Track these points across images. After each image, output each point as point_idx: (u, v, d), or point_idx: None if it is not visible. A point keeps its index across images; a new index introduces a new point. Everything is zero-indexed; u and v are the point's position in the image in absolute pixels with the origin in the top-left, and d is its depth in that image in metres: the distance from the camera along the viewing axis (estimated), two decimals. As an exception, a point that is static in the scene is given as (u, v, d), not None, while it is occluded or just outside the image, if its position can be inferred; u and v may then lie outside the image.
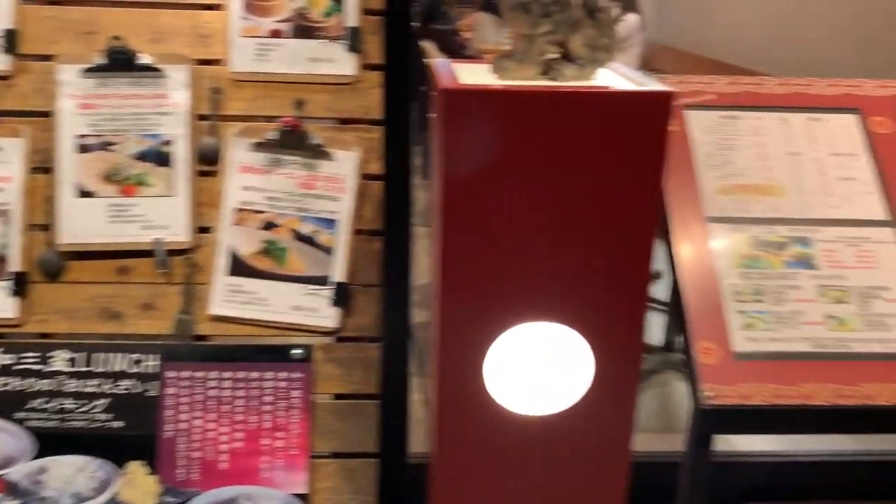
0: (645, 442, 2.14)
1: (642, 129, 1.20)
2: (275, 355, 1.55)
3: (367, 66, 1.58)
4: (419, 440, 1.80)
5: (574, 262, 1.28)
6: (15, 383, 1.51)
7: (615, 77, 1.28)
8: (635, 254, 1.29)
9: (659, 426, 2.51)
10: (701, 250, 1.44)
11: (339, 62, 1.57)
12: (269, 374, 1.54)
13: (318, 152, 1.56)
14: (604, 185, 1.24)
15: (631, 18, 3.31)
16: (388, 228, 1.59)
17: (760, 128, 1.58)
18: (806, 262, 1.44)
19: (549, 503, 1.44)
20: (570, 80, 1.25)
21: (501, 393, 1.36)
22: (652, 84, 1.22)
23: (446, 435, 1.38)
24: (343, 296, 1.56)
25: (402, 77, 1.63)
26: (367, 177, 1.58)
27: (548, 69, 1.26)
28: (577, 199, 1.24)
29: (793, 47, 3.21)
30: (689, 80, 1.63)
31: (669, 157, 1.52)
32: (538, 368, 1.36)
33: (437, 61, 1.38)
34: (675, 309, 1.43)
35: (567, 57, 1.24)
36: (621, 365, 1.34)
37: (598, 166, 1.22)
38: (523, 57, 1.23)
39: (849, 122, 1.60)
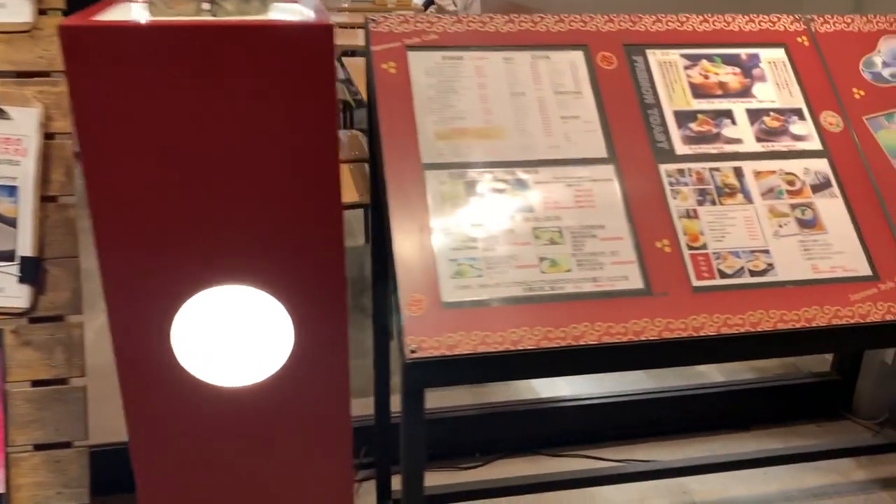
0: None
1: (304, 65, 1.10)
2: (-44, 343, 1.38)
3: (46, 12, 1.40)
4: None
5: (252, 218, 1.18)
6: None
7: (284, 12, 1.17)
8: (320, 205, 1.19)
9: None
10: (414, 199, 1.37)
11: (11, 7, 1.39)
12: (-50, 365, 1.37)
13: (-9, 110, 1.38)
14: (273, 131, 1.13)
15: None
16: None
17: (484, 68, 1.52)
18: (523, 205, 1.40)
19: (266, 475, 1.35)
20: (233, 15, 1.13)
21: (196, 365, 1.24)
22: (316, 17, 1.12)
23: (139, 416, 1.26)
24: (33, 271, 1.39)
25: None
26: (52, 136, 1.41)
27: (210, 3, 1.13)
28: (247, 149, 1.14)
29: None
30: (413, 20, 1.54)
31: (387, 103, 1.44)
32: (235, 337, 1.25)
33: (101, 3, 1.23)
34: (388, 260, 1.35)
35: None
36: (324, 327, 1.26)
37: (261, 109, 1.11)
38: (168, -12, 1.10)
39: (575, 59, 1.56)
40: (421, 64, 1.49)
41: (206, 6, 1.16)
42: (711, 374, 2.54)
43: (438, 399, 2.18)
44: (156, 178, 1.10)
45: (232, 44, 1.06)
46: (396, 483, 2.11)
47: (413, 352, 1.23)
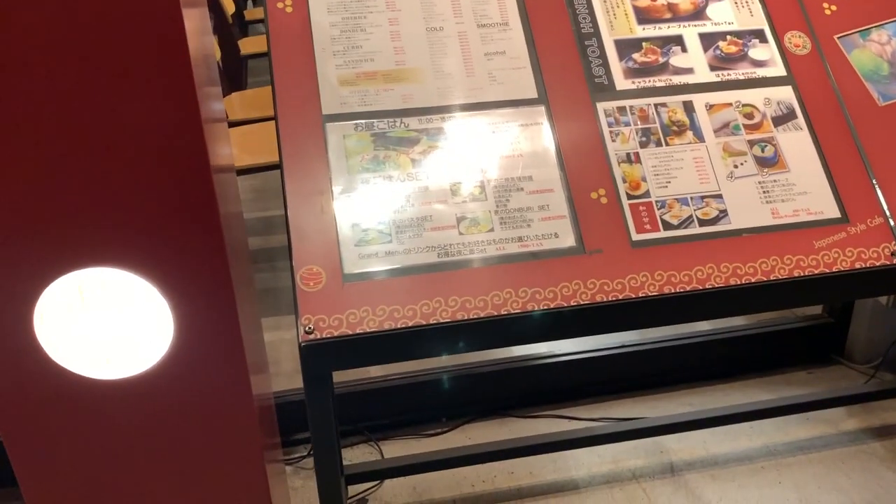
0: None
1: (153, 20, 0.93)
2: None
3: None
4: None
5: (109, 190, 1.02)
6: None
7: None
8: (185, 171, 1.03)
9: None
10: (313, 156, 1.21)
11: None
12: None
13: None
14: (121, 89, 0.97)
15: None
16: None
17: (396, 2, 1.34)
18: (439, 158, 1.23)
19: (169, 466, 1.23)
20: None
21: (66, 356, 1.11)
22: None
23: (9, 417, 1.13)
24: None
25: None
26: None
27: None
28: (98, 118, 0.98)
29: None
30: (313, -48, 1.35)
31: (280, 47, 1.27)
32: (110, 327, 1.11)
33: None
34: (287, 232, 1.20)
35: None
36: (208, 308, 1.12)
37: (102, 61, 0.95)
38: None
39: (502, -15, 1.37)
40: (322, 1, 1.31)
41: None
42: (693, 323, 2.38)
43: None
44: (8, 151, 0.95)
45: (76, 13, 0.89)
46: (351, 454, 2.02)
47: (308, 332, 1.09)
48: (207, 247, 1.07)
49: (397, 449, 2.03)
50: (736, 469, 1.91)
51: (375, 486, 1.92)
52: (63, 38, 0.93)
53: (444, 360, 2.14)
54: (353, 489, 1.87)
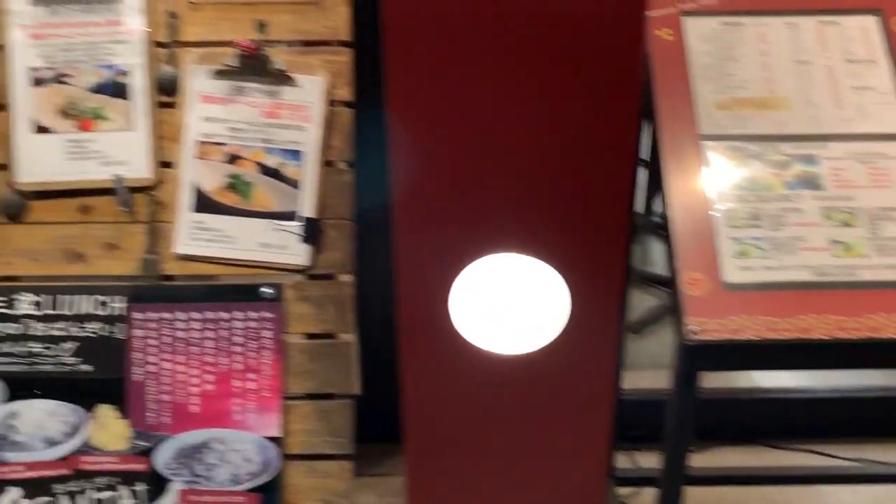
0: (634, 379, 2.06)
1: (616, 27, 1.06)
2: (244, 295, 1.49)
3: (332, -18, 1.46)
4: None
5: (543, 188, 1.17)
6: (-19, 327, 1.48)
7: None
8: (613, 177, 1.16)
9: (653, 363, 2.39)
10: (692, 171, 1.31)
11: (300, -21, 1.46)
12: (238, 315, 1.48)
13: (281, 78, 1.46)
14: (574, 98, 1.11)
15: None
16: (358, 159, 1.50)
17: (766, 35, 1.42)
18: (810, 183, 1.30)
19: (529, 442, 1.36)
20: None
21: (471, 331, 1.26)
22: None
23: (413, 374, 1.30)
24: (313, 231, 1.47)
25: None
26: (335, 103, 1.48)
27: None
28: (545, 116, 1.12)
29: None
30: (686, -15, 1.47)
31: (662, 70, 1.39)
32: (511, 305, 1.26)
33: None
34: (667, 237, 1.31)
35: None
36: (601, 301, 1.24)
37: (566, 75, 1.09)
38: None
39: (867, 24, 1.42)
40: (697, 30, 1.42)
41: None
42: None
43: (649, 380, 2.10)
44: (456, 142, 1.12)
45: (544, 9, 1.04)
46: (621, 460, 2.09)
47: (695, 334, 1.19)
48: (614, 246, 1.19)
49: (650, 461, 2.09)
50: None
51: (634, 492, 1.99)
52: (534, 38, 1.07)
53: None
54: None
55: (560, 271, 1.23)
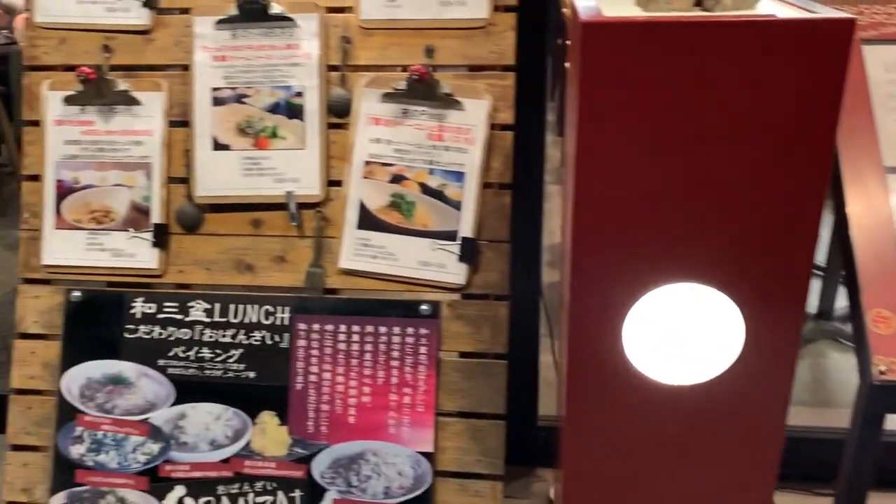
0: (796, 416, 1.97)
1: (816, 65, 1.04)
2: (403, 310, 1.52)
3: (500, 8, 1.49)
4: (548, 403, 1.74)
5: (728, 219, 1.15)
6: (157, 332, 1.56)
7: (777, 5, 1.12)
8: (801, 212, 1.13)
9: (812, 399, 2.32)
10: (877, 205, 1.26)
11: (470, 4, 1.49)
12: (396, 330, 1.52)
13: (448, 101, 1.49)
14: (767, 133, 1.09)
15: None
16: (518, 182, 1.52)
17: (950, 64, 1.36)
18: None
19: (691, 475, 1.33)
20: (729, 10, 1.10)
21: (641, 359, 1.25)
22: (827, 11, 1.06)
23: (579, 401, 1.29)
24: (471, 251, 1.50)
25: (539, 18, 1.52)
26: (496, 127, 1.50)
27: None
28: (735, 149, 1.11)
29: None
30: (867, 11, 1.42)
31: (843, 100, 1.35)
32: (682, 334, 1.24)
33: (575, -4, 1.27)
34: (847, 272, 1.27)
35: (724, -17, 1.10)
36: (777, 334, 1.20)
37: (761, 111, 1.08)
38: (673, -15, 1.10)
39: None
40: (879, 58, 1.38)
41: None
42: None
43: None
44: (643, 172, 1.12)
45: (748, 40, 1.03)
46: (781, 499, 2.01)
47: (882, 373, 1.14)
48: (794, 271, 1.16)
49: (789, 500, 2.01)
50: None
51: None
52: (735, 88, 1.06)
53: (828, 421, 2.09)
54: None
55: (737, 302, 1.21)
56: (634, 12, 1.13)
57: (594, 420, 1.31)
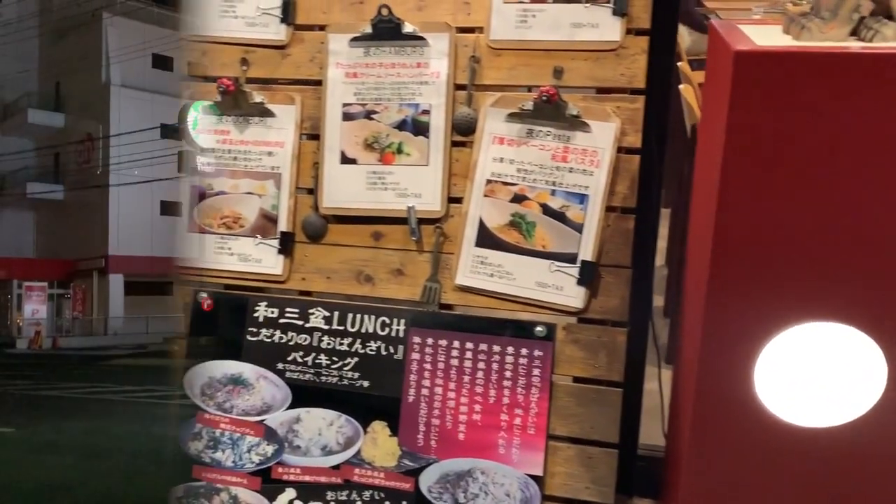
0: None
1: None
2: (518, 331, 1.52)
3: (632, 31, 1.48)
4: (647, 431, 1.70)
5: (873, 255, 1.10)
6: (277, 336, 1.61)
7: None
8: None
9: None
10: None
11: (602, 27, 1.49)
12: (510, 349, 1.51)
13: (575, 123, 1.49)
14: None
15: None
16: (642, 207, 1.49)
17: None
18: None
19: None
20: (890, 41, 1.06)
21: (773, 400, 1.21)
22: None
23: (702, 440, 1.26)
24: (590, 275, 1.48)
25: (670, 42, 1.50)
26: (623, 150, 1.48)
27: (860, 28, 1.08)
28: (886, 183, 1.06)
29: None
30: None
31: None
32: (818, 376, 1.19)
33: (718, 22, 1.25)
34: None
35: (886, 13, 1.06)
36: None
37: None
38: (831, 14, 1.07)
39: None
40: None
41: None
42: None
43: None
44: (788, 205, 1.08)
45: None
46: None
47: None
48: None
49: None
50: None
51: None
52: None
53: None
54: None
55: (879, 342, 1.15)
56: (784, 41, 1.11)
57: (716, 458, 1.26)
